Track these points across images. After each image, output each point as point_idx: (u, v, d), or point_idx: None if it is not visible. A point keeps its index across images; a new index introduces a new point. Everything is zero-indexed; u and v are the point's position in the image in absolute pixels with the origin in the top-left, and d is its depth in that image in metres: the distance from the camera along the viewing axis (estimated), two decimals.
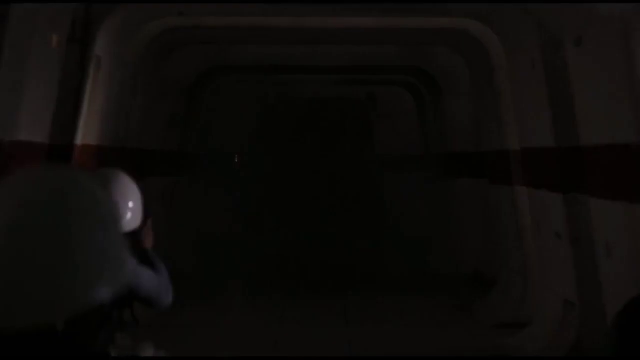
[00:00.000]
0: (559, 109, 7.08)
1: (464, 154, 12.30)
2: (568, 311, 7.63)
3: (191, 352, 7.61)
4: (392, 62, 12.81)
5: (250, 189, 16.65)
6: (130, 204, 3.92)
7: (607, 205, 6.40)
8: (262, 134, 17.00)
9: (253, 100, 16.33)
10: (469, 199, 12.24)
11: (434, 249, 13.60)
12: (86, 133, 7.16)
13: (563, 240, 7.43)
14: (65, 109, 6.61)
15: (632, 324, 1.67)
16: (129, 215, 3.90)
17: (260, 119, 16.92)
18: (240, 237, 15.31)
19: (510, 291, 9.41)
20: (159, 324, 6.42)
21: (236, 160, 17.78)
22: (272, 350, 8.12)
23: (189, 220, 13.05)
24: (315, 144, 16.98)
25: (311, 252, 14.64)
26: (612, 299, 6.53)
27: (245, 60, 12.57)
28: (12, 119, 5.57)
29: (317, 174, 16.81)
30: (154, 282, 3.79)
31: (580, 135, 6.69)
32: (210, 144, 15.28)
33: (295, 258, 14.23)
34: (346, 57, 12.28)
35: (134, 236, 4.01)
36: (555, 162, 7.34)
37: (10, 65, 5.43)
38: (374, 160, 16.76)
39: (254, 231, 15.82)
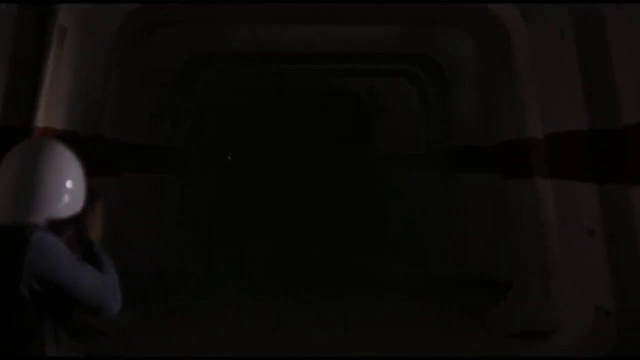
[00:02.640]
0: (594, 84, 6.14)
1: (472, 147, 11.51)
2: (600, 319, 6.69)
3: None
4: (394, 48, 11.92)
5: (243, 187, 15.88)
6: (69, 184, 3.00)
7: None
8: (255, 129, 16.21)
9: (244, 92, 15.44)
10: (477, 196, 11.48)
11: (438, 250, 12.79)
12: (49, 114, 6.21)
13: (596, 237, 6.50)
14: (20, 85, 5.66)
15: None
16: (66, 197, 2.97)
17: (252, 113, 16.10)
18: (232, 237, 14.52)
19: (528, 295, 8.48)
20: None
21: (228, 158, 17.03)
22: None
23: (178, 220, 12.13)
24: (311, 141, 16.25)
25: (308, 254, 14.09)
26: None
27: (235, 46, 11.66)
28: None
29: (313, 172, 16.15)
30: (96, 283, 2.92)
31: (621, 115, 5.74)
32: (200, 139, 14.35)
33: (291, 260, 13.61)
34: (344, 42, 11.46)
35: (76, 224, 3.09)
36: (587, 148, 6.40)
37: None
38: (374, 157, 16.00)
39: (246, 231, 15.04)
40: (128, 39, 8.14)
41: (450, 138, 12.21)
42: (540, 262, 8.19)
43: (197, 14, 9.25)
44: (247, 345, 7.93)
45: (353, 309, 9.70)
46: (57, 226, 3.01)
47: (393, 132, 15.49)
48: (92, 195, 3.15)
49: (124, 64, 8.36)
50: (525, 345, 7.69)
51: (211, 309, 9.63)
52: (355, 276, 12.16)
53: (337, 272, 12.53)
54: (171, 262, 11.26)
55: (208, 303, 9.92)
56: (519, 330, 8.10)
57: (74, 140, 6.81)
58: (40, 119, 6.05)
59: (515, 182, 8.83)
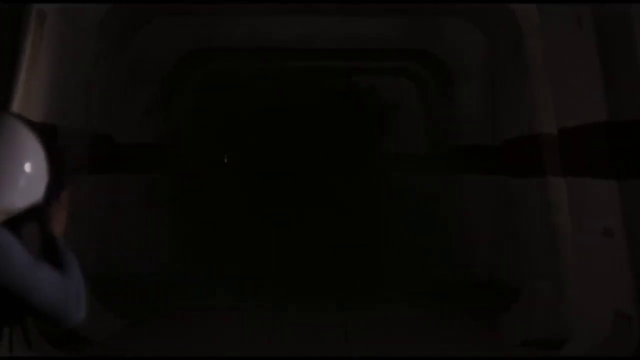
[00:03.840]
0: (615, 73, 5.69)
1: (476, 147, 11.03)
2: (621, 325, 6.23)
3: None
4: (395, 44, 11.46)
5: (240, 188, 15.43)
6: (27, 167, 2.52)
7: None
8: (251, 128, 15.77)
9: (240, 90, 14.97)
10: (482, 197, 11.01)
11: (441, 254, 12.30)
12: (26, 105, 5.74)
13: (615, 238, 6.04)
14: None
15: None
16: (21, 181, 2.50)
17: (248, 111, 15.65)
18: (227, 241, 14.05)
19: (540, 301, 8.01)
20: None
21: (225, 160, 16.61)
22: None
23: (171, 222, 11.66)
24: (309, 141, 15.81)
25: (306, 258, 13.56)
26: None
27: (232, 42, 11.21)
28: None
29: (311, 174, 15.72)
30: (56, 288, 2.46)
31: None
32: (194, 138, 13.86)
33: (288, 264, 13.10)
34: (344, 37, 10.99)
35: (36, 215, 2.62)
36: (606, 141, 5.94)
37: None
38: (374, 158, 15.56)
39: (244, 234, 14.58)
40: (115, 30, 7.68)
41: (453, 137, 11.77)
42: (552, 266, 7.72)
43: (188, 8, 8.82)
44: (242, 352, 7.52)
45: (354, 316, 9.26)
46: (11, 219, 2.56)
47: (395, 131, 15.08)
48: (56, 183, 2.69)
49: (111, 56, 7.90)
50: (538, 354, 7.27)
51: (204, 315, 9.16)
52: (356, 281, 11.71)
53: (337, 277, 12.04)
54: (163, 267, 10.78)
55: (201, 310, 9.46)
56: (530, 337, 7.64)
57: (52, 134, 6.37)
58: (16, 109, 5.59)
59: (525, 181, 8.37)
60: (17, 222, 2.59)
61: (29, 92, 5.75)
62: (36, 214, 2.65)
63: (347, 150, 16.01)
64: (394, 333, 8.40)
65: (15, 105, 5.59)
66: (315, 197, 15.69)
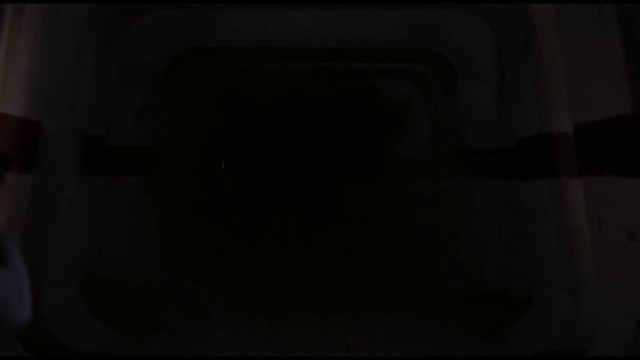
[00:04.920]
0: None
1: (484, 150, 10.61)
2: None
3: None
4: (399, 43, 11.01)
5: (234, 193, 15.04)
6: None
7: None
8: (246, 131, 15.38)
9: (235, 92, 14.56)
10: (490, 202, 10.59)
11: (447, 261, 11.82)
12: (3, 97, 5.31)
13: (639, 241, 5.58)
14: None
15: None
16: None
17: (243, 114, 15.25)
18: (222, 248, 13.63)
19: (554, 310, 7.53)
20: None
21: (222, 166, 16.23)
22: None
23: (162, 228, 11.21)
24: (308, 145, 15.43)
25: (305, 265, 13.17)
26: None
27: (228, 40, 10.77)
28: None
29: (311, 180, 15.35)
30: None
31: None
32: (186, 141, 13.41)
33: (287, 272, 12.64)
34: (343, 36, 10.58)
35: None
36: (630, 136, 5.49)
37: None
38: (377, 163, 15.15)
39: (237, 241, 14.17)
40: (101, 24, 7.24)
41: (459, 140, 11.34)
42: (568, 272, 7.26)
43: (180, 5, 8.40)
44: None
45: (355, 326, 8.79)
46: None
47: (397, 135, 14.68)
48: (1, 163, 2.28)
49: (100, 52, 7.46)
50: None
51: (197, 327, 8.68)
52: (358, 290, 11.23)
53: (338, 285, 11.56)
54: (155, 275, 10.34)
55: (194, 318, 8.97)
56: (545, 349, 7.18)
57: (33, 132, 5.95)
58: None
59: (538, 183, 7.91)
60: None
61: (6, 84, 5.32)
62: None
63: (349, 155, 15.64)
64: (398, 343, 7.97)
65: None
66: (316, 204, 15.31)
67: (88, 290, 8.09)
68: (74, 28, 6.60)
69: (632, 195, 5.60)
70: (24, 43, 5.55)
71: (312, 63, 12.45)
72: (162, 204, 11.10)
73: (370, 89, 14.86)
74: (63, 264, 7.20)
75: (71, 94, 6.86)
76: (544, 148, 7.52)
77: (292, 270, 12.89)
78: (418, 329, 8.68)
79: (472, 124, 10.86)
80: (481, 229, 10.76)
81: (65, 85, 6.70)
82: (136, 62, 9.64)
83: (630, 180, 5.60)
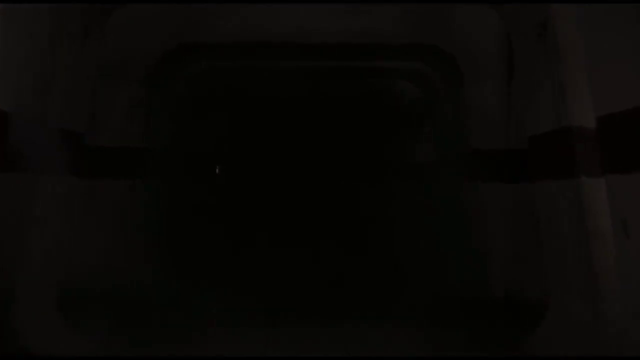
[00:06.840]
0: None
1: (492, 151, 10.14)
2: None
3: None
4: (399, 39, 10.52)
5: (229, 197, 14.59)
6: None
7: None
8: (240, 134, 14.95)
9: (229, 91, 14.07)
10: (499, 205, 10.12)
11: (453, 268, 11.31)
12: None
13: None
14: None
15: None
16: None
17: (238, 115, 14.81)
18: (215, 254, 13.17)
19: (573, 320, 6.97)
20: None
21: (217, 171, 15.78)
22: None
23: (151, 233, 10.69)
24: (306, 148, 15.03)
25: (304, 272, 12.71)
26: None
27: (221, 36, 10.26)
28: None
29: (309, 184, 14.97)
30: None
31: None
32: (178, 141, 12.90)
33: (284, 279, 12.18)
34: (340, 31, 10.12)
35: None
36: None
37: None
38: (378, 167, 14.74)
39: (230, 247, 13.72)
40: (79, 11, 6.69)
41: (464, 142, 10.84)
42: (589, 281, 6.69)
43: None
44: None
45: (356, 336, 8.27)
46: None
47: (398, 137, 14.25)
48: None
49: (77, 45, 6.91)
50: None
51: (190, 337, 8.15)
52: (359, 298, 10.71)
53: (339, 293, 11.04)
54: (143, 282, 9.81)
55: (185, 327, 8.44)
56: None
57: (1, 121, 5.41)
58: None
59: (554, 184, 7.35)
60: None
61: None
62: None
63: (348, 158, 15.23)
64: (401, 354, 7.45)
65: None
66: (314, 208, 14.89)
67: (68, 300, 7.56)
68: (46, 14, 6.05)
69: None
70: None
71: (314, 62, 12.07)
72: (152, 207, 10.60)
73: (370, 88, 14.45)
74: (39, 272, 6.65)
75: (43, 87, 6.30)
76: (561, 144, 6.95)
77: (291, 276, 12.44)
78: (424, 337, 8.19)
79: (478, 124, 10.39)
80: (488, 234, 10.27)
81: (38, 76, 6.14)
82: (124, 56, 9.13)
83: None
